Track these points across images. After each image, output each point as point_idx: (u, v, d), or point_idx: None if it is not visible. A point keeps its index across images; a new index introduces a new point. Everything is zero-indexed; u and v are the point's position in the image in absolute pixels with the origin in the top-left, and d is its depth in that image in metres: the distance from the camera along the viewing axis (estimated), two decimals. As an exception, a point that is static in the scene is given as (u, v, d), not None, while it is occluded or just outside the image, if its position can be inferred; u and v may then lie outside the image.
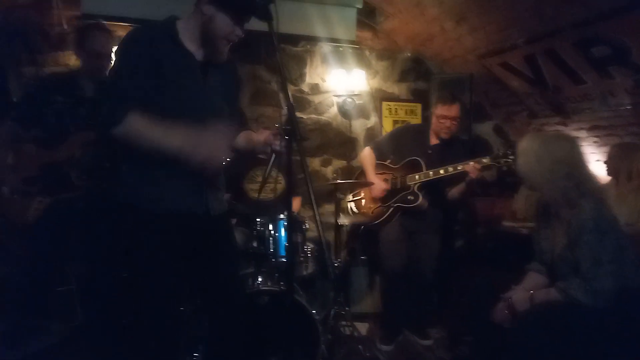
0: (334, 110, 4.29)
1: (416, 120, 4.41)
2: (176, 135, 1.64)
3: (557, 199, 2.09)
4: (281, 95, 1.54)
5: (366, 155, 3.36)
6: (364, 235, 3.80)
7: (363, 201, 3.39)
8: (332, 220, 3.07)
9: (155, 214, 1.74)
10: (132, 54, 1.70)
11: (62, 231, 2.51)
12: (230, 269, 1.99)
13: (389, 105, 4.39)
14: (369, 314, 3.62)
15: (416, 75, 4.48)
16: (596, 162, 3.33)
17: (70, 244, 2.59)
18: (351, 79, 4.14)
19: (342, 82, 4.14)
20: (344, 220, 3.16)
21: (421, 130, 3.32)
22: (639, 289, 1.95)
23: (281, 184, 3.22)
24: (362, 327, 3.29)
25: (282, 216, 2.77)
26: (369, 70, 4.32)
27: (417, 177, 3.09)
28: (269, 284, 2.56)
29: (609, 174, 3.09)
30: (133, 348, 1.95)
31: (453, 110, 3.08)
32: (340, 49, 4.14)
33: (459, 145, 3.24)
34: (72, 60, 3.60)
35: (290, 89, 4.08)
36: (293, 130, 1.56)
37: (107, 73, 2.57)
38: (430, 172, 3.03)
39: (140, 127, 1.64)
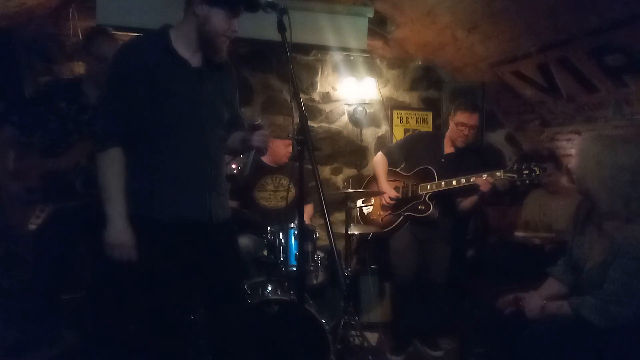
0: (345, 118, 4.29)
1: (427, 128, 4.39)
2: (114, 207, 1.71)
3: (613, 209, 1.90)
4: (293, 105, 1.55)
5: (378, 161, 3.35)
6: (374, 243, 3.79)
7: (373, 208, 3.38)
8: (343, 229, 3.06)
9: (160, 222, 1.75)
10: (124, 68, 1.73)
11: (67, 239, 2.48)
12: (234, 275, 1.99)
13: (399, 113, 4.39)
14: (379, 324, 3.58)
15: (427, 83, 4.47)
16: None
17: (76, 251, 2.59)
18: (362, 87, 4.14)
19: (353, 91, 4.15)
20: (354, 229, 3.15)
21: (435, 138, 3.31)
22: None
23: (292, 192, 3.22)
24: (372, 337, 3.27)
25: (292, 225, 2.77)
26: (380, 78, 4.32)
27: (428, 187, 3.07)
28: (279, 293, 2.55)
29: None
30: (141, 356, 1.96)
31: (473, 119, 3.05)
32: (352, 57, 4.15)
33: (472, 156, 3.21)
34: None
35: (302, 97, 4.09)
36: (305, 140, 1.56)
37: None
38: (443, 183, 3.01)
39: (108, 168, 1.72)
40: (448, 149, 3.21)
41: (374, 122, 4.35)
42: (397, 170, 3.30)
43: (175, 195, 1.76)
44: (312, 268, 2.82)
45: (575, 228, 2.13)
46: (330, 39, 3.74)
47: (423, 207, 3.08)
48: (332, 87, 4.25)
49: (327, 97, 4.26)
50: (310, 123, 4.03)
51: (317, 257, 2.83)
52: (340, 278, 2.18)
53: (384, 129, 4.39)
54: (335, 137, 4.29)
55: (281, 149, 3.42)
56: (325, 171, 4.27)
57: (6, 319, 2.41)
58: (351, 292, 3.46)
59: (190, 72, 1.79)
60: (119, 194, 1.70)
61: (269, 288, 2.59)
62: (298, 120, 1.60)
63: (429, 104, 4.46)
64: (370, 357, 2.85)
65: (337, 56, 4.15)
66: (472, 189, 2.97)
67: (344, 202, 3.09)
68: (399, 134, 4.32)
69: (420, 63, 4.41)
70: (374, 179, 3.42)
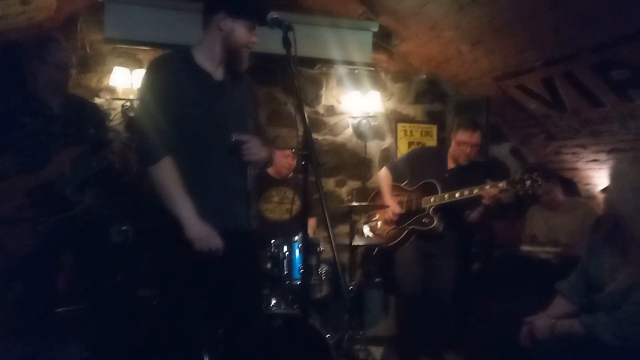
0: (349, 131, 4.30)
1: (432, 141, 4.40)
2: (184, 209, 1.74)
3: None
4: (297, 118, 1.58)
5: (383, 176, 3.36)
6: (379, 257, 3.77)
7: (378, 222, 3.37)
8: (347, 241, 3.05)
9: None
10: (156, 82, 1.80)
11: (65, 250, 2.48)
12: (258, 285, 2.04)
13: (404, 126, 4.40)
14: (384, 338, 3.55)
15: (432, 97, 4.48)
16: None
17: (75, 263, 2.57)
18: (366, 100, 4.16)
19: (357, 104, 4.17)
20: (358, 241, 3.14)
21: (439, 153, 3.31)
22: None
23: (296, 205, 3.22)
24: (377, 351, 3.24)
25: (296, 238, 2.76)
26: (384, 92, 4.34)
27: (432, 199, 3.07)
28: (282, 307, 2.54)
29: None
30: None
31: (474, 137, 3.06)
32: (356, 71, 4.17)
33: (476, 170, 3.19)
34: (94, 82, 3.71)
35: (306, 110, 4.12)
36: (310, 155, 1.57)
37: (69, 87, 2.51)
38: (446, 195, 3.00)
39: (166, 177, 1.75)
40: (451, 164, 3.21)
41: (378, 134, 4.36)
42: (401, 185, 3.30)
43: (203, 206, 1.79)
44: (315, 281, 2.80)
45: (592, 248, 2.07)
46: (335, 53, 3.77)
47: (427, 220, 3.07)
48: (337, 100, 4.26)
49: (331, 110, 4.27)
50: (314, 136, 4.06)
51: (321, 271, 2.82)
52: (343, 291, 2.17)
53: (388, 141, 4.39)
54: (339, 149, 4.29)
55: (282, 161, 3.43)
56: (329, 183, 4.27)
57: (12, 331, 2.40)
58: (355, 306, 3.43)
59: (214, 85, 1.86)
60: (183, 195, 1.75)
61: (273, 302, 2.58)
62: (302, 134, 1.62)
63: (434, 117, 4.47)
64: (374, 372, 2.82)
65: (341, 69, 4.17)
66: (476, 202, 2.96)
67: (348, 215, 3.09)
68: (403, 147, 4.32)
69: (424, 77, 4.43)
70: (378, 194, 3.42)
